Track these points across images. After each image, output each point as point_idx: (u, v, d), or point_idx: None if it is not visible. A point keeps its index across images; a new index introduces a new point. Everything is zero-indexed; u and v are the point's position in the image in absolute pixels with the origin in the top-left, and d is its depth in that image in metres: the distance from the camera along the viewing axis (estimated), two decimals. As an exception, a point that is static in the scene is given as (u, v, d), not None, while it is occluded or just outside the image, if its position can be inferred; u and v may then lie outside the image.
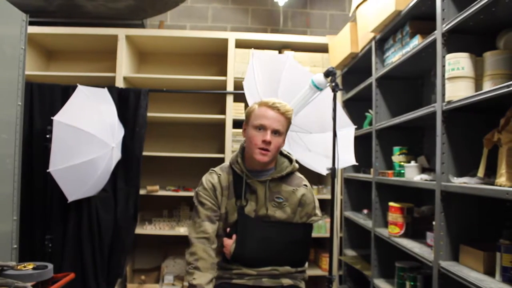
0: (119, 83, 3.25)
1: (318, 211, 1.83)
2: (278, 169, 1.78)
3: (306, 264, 1.84)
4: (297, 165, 1.83)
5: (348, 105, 3.44)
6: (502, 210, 1.81)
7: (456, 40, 1.80)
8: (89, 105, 2.77)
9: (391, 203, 2.41)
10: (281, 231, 1.74)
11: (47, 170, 2.57)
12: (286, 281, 1.73)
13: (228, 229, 1.76)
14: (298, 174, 1.85)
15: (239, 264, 1.71)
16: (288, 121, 1.74)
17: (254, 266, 1.70)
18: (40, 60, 3.65)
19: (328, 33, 3.95)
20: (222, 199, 1.75)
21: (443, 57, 1.81)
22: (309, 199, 1.79)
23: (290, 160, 1.83)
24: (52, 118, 2.59)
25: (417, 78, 2.73)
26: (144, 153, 3.17)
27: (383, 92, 2.71)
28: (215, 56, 3.79)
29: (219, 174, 1.78)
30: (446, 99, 1.77)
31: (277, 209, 1.73)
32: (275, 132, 1.69)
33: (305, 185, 1.81)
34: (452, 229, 1.80)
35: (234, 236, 1.73)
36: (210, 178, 1.78)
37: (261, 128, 1.68)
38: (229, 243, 1.72)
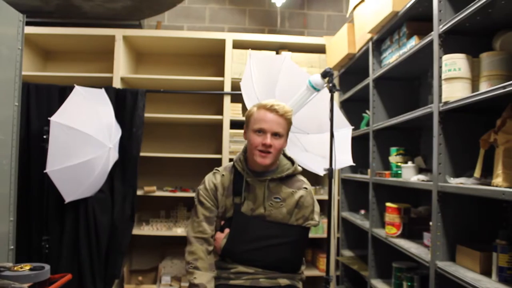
0: (116, 84, 3.24)
1: (316, 216, 1.81)
2: (279, 170, 1.78)
3: (303, 267, 1.84)
4: (299, 168, 1.83)
5: (345, 106, 3.45)
6: (498, 210, 1.82)
7: (453, 41, 1.81)
8: (86, 105, 2.76)
9: (388, 204, 2.42)
10: (275, 231, 1.73)
11: (44, 171, 2.57)
12: (284, 281, 1.73)
13: (222, 222, 1.77)
14: (300, 177, 1.84)
15: (232, 262, 1.71)
16: (288, 122, 1.74)
17: (245, 264, 1.70)
18: (37, 60, 3.64)
19: (325, 34, 3.96)
20: (222, 199, 1.76)
21: (440, 58, 1.81)
22: (307, 202, 1.79)
23: (293, 163, 1.83)
24: (49, 118, 2.59)
25: (414, 79, 2.74)
26: (141, 154, 3.16)
27: (380, 92, 2.71)
28: (212, 57, 3.79)
29: (222, 174, 1.79)
30: (443, 100, 1.77)
31: (273, 208, 1.73)
32: (275, 134, 1.69)
33: (305, 188, 1.80)
34: (449, 230, 1.80)
35: (226, 230, 1.73)
36: (213, 179, 1.79)
37: (261, 131, 1.68)
38: (220, 237, 1.73)
